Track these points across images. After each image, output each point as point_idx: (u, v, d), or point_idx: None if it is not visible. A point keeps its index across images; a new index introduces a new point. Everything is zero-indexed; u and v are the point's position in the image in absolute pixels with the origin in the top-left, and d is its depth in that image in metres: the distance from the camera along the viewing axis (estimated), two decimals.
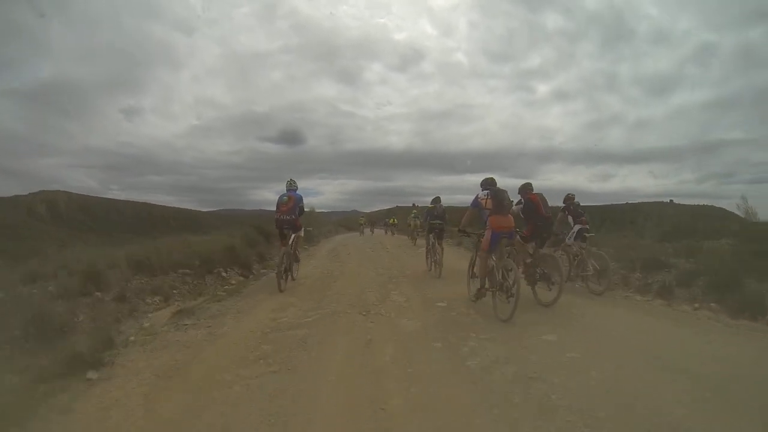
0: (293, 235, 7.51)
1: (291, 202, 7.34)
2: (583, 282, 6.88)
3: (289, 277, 7.57)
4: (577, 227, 6.99)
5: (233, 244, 10.14)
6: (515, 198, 5.95)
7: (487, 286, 5.30)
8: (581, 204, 7.32)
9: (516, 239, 5.73)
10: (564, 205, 7.25)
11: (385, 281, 8.14)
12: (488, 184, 5.56)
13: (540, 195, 6.08)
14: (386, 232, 31.34)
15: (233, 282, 8.44)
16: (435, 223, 9.12)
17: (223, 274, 8.62)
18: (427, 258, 9.41)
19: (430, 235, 9.17)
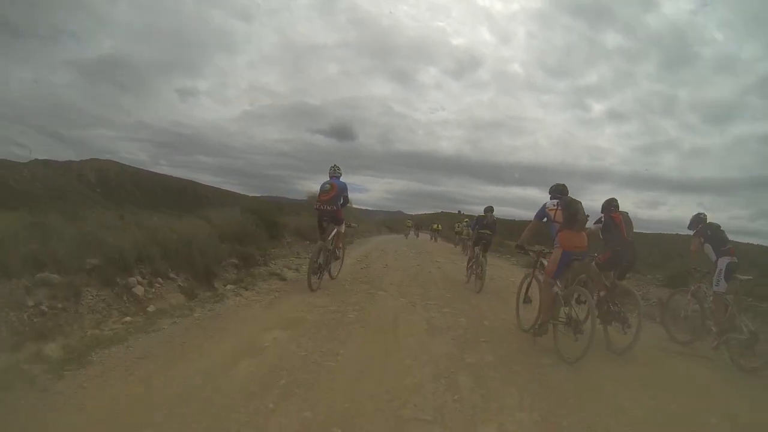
0: (334, 229, 6.49)
1: (333, 190, 6.37)
2: (725, 347, 4.65)
3: (326, 274, 6.48)
4: (723, 262, 4.80)
5: (194, 234, 6.09)
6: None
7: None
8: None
9: (590, 264, 4.84)
10: (696, 228, 5.28)
11: (449, 360, 3.64)
12: (558, 191, 4.70)
13: (625, 215, 4.92)
14: (431, 239, 28.23)
15: (149, 308, 4.37)
16: (484, 233, 8.28)
17: (137, 288, 4.53)
18: (468, 269, 8.55)
19: (476, 247, 8.34)
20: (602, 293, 4.77)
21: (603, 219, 4.90)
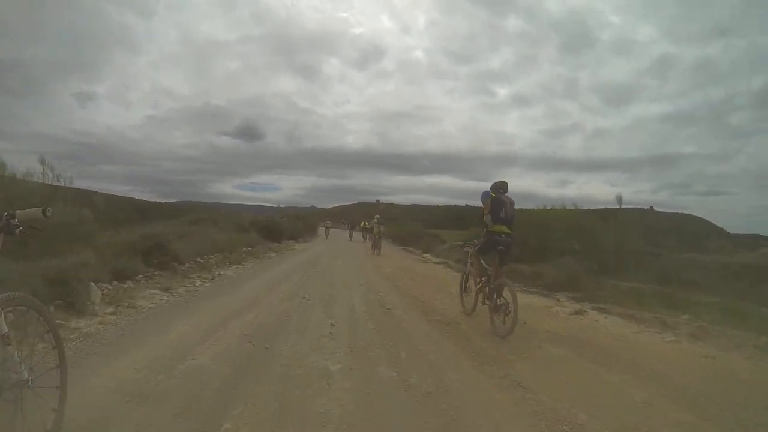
0: None
1: None
2: None
3: None
4: None
5: None
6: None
7: None
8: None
9: None
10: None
11: None
12: None
13: None
14: (363, 239, 26.87)
15: None
16: (500, 232, 4.72)
17: None
18: (462, 290, 5.61)
19: (484, 257, 4.97)
20: None
21: None
